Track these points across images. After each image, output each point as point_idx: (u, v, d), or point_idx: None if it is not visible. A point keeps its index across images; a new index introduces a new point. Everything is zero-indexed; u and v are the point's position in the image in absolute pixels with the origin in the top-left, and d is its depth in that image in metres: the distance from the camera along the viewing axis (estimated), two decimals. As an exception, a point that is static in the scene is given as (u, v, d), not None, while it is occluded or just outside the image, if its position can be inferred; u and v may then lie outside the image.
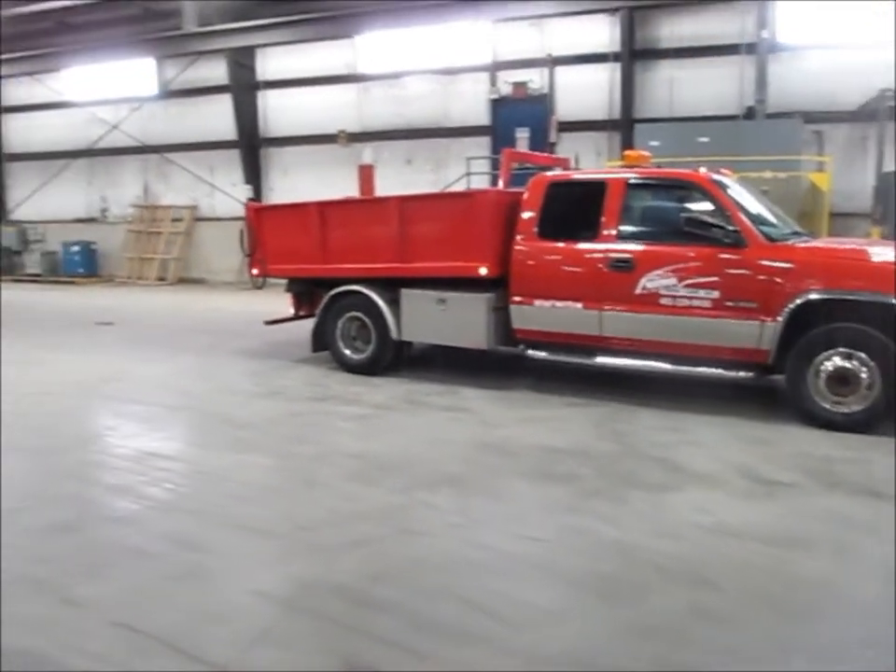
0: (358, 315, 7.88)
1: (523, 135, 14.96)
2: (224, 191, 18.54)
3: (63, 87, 20.22)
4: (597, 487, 4.74)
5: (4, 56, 18.82)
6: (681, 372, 6.51)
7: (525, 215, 7.06)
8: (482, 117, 15.92)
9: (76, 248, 19.58)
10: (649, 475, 4.95)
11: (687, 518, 4.28)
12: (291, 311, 8.77)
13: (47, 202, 21.05)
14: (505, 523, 4.24)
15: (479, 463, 5.20)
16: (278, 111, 17.92)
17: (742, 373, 6.24)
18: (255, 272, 8.75)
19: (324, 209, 8.12)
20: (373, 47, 16.77)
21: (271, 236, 8.57)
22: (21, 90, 20.79)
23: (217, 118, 18.15)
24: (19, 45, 19.05)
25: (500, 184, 8.11)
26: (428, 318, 7.44)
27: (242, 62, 17.53)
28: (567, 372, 7.67)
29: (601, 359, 6.80)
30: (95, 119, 19.87)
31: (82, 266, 19.50)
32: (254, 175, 18.08)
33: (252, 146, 18.03)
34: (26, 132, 21.10)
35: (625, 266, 6.50)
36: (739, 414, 6.28)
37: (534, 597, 3.47)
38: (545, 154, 10.56)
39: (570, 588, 3.56)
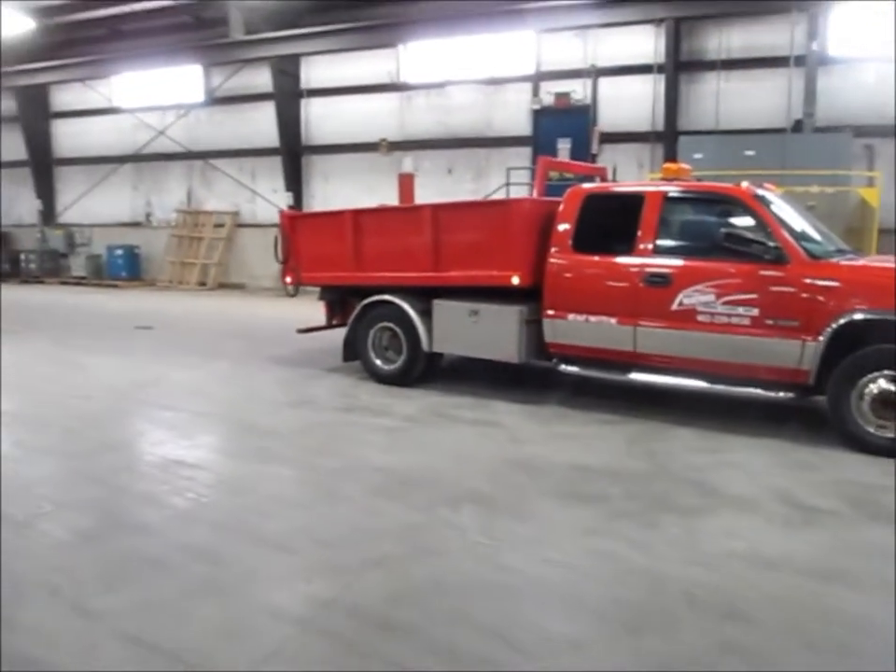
0: (390, 325, 7.84)
1: (564, 146, 14.84)
2: (265, 198, 18.69)
3: (113, 93, 20.63)
4: (627, 509, 4.60)
5: (56, 63, 19.25)
6: (718, 391, 6.36)
7: (561, 227, 6.95)
8: (523, 127, 15.84)
9: (119, 252, 19.91)
10: (682, 498, 4.79)
11: (721, 545, 4.12)
12: (324, 319, 8.78)
13: (93, 205, 21.46)
14: (529, 544, 4.12)
15: (505, 480, 5.10)
16: (320, 119, 18.03)
17: (782, 394, 6.06)
18: (288, 279, 8.76)
19: (358, 217, 8.12)
20: (417, 56, 16.81)
21: (304, 244, 8.59)
22: (71, 95, 21.24)
23: (261, 125, 18.32)
24: (71, 51, 19.50)
25: (534, 192, 8.02)
26: (460, 330, 7.38)
27: (286, 70, 17.67)
28: (601, 388, 7.55)
29: (635, 376, 6.67)
30: (142, 124, 20.21)
31: (125, 269, 19.81)
32: (295, 182, 18.20)
33: (294, 153, 18.15)
34: (75, 137, 21.54)
35: (662, 281, 6.35)
36: (779, 436, 6.08)
37: (556, 625, 3.34)
38: (582, 163, 10.42)
39: (594, 617, 3.42)
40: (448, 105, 16.59)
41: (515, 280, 7.00)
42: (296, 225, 8.73)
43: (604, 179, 9.08)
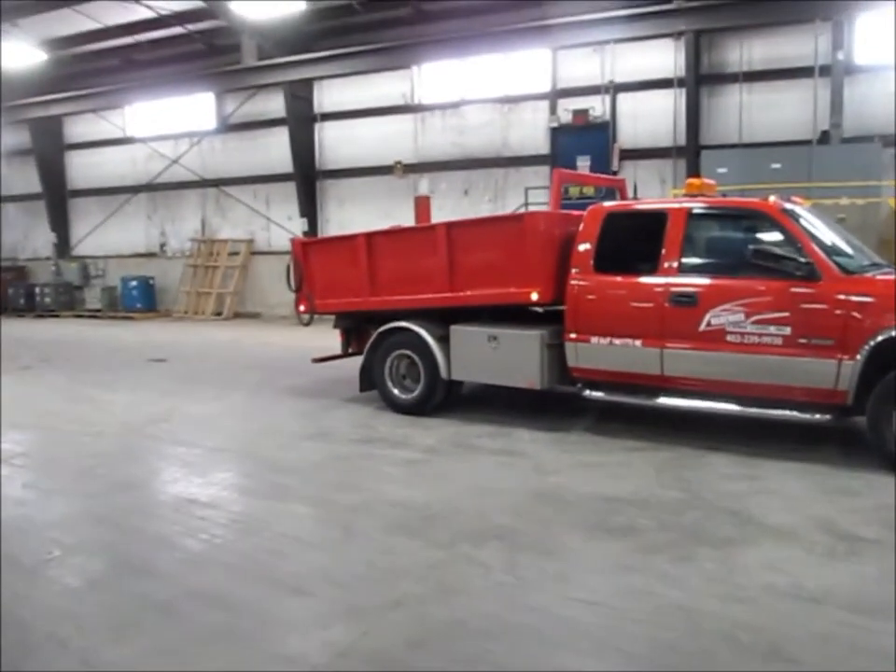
0: (407, 353, 7.80)
1: (584, 164, 14.82)
2: (280, 224, 18.82)
3: (126, 123, 20.96)
4: (660, 542, 4.48)
5: (69, 94, 19.57)
6: (751, 415, 6.24)
7: (581, 247, 6.89)
8: (541, 145, 15.85)
9: (134, 283, 20.11)
10: (718, 529, 4.67)
11: (761, 579, 3.99)
12: (339, 348, 8.79)
13: (107, 236, 21.74)
14: (556, 582, 4.01)
15: (530, 514, 5.00)
16: (334, 143, 18.17)
17: (818, 416, 5.93)
18: (301, 308, 8.76)
19: (371, 240, 8.15)
20: (431, 77, 16.92)
21: (317, 271, 8.62)
22: (84, 126, 21.60)
23: (274, 150, 18.50)
24: (83, 82, 19.83)
25: (550, 206, 7.99)
26: (479, 356, 7.32)
27: (299, 94, 17.85)
28: (628, 414, 7.44)
29: (664, 400, 6.57)
30: (156, 154, 20.48)
31: (140, 301, 20.01)
32: (310, 207, 18.32)
33: (308, 177, 18.29)
34: (89, 168, 21.88)
35: (688, 301, 6.26)
36: (817, 461, 5.94)
37: (586, 669, 3.22)
38: (598, 175, 10.36)
39: (627, 659, 3.30)
40: (463, 125, 16.66)
41: (534, 296, 6.97)
42: (308, 252, 8.75)
43: (623, 191, 9.06)
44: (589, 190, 13.53)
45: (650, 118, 14.69)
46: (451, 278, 7.48)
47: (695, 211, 6.55)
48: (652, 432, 6.86)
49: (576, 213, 7.30)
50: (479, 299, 7.38)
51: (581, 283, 6.83)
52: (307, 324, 8.87)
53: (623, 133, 15.03)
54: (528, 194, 14.90)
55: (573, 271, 6.87)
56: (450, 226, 7.63)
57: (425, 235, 7.87)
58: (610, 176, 10.10)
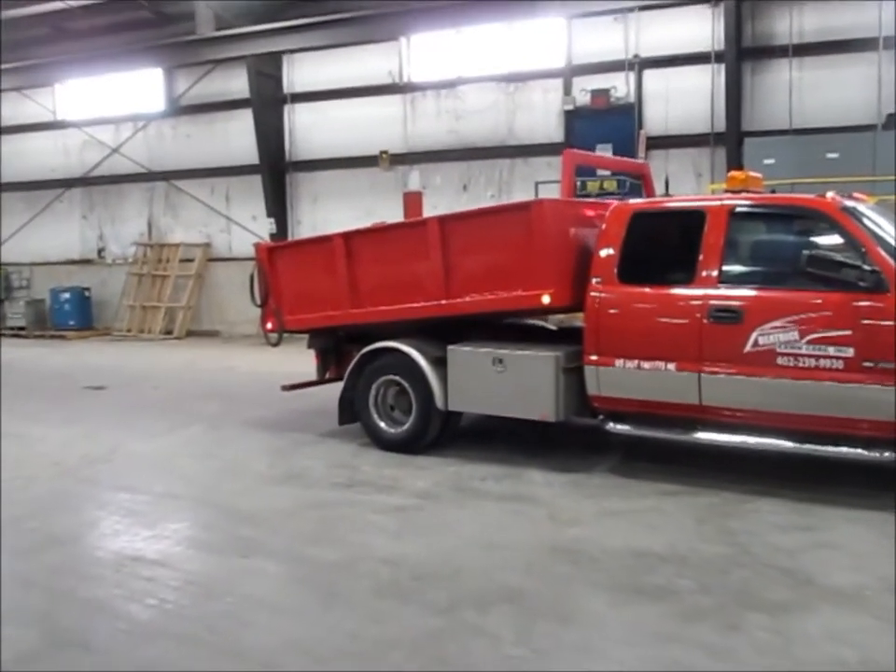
0: (396, 378, 7.81)
1: (604, 153, 14.89)
2: (242, 225, 18.86)
3: (56, 104, 21.00)
4: (701, 607, 4.48)
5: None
6: (807, 452, 6.24)
7: (603, 252, 6.92)
8: (554, 132, 15.95)
9: (66, 296, 20.06)
10: (769, 590, 4.67)
11: (823, 652, 3.99)
12: (315, 373, 8.79)
13: (34, 239, 21.61)
14: (578, 654, 4.00)
15: (545, 572, 4.99)
16: (308, 129, 18.28)
17: (887, 454, 5.94)
18: (269, 326, 8.78)
19: (350, 241, 8.20)
20: (423, 51, 17.05)
21: (286, 280, 8.66)
22: (7, 107, 21.52)
23: (236, 137, 18.59)
24: (7, 55, 19.82)
25: (562, 193, 8.04)
26: (482, 383, 7.33)
27: (265, 71, 17.96)
28: (660, 451, 7.45)
29: (702, 435, 6.58)
30: (93, 141, 20.53)
31: (74, 317, 19.96)
32: (278, 205, 18.40)
33: (277, 170, 18.37)
34: (11, 157, 21.73)
35: (731, 317, 6.29)
36: (885, 507, 5.93)
37: None
38: (619, 158, 10.40)
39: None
40: (461, 109, 16.77)
41: (546, 299, 7.00)
42: (275, 258, 8.79)
43: (647, 179, 9.14)
44: (611, 185, 13.64)
45: (682, 99, 14.81)
46: (447, 283, 7.52)
47: (738, 210, 6.58)
48: (689, 473, 6.85)
49: (595, 203, 7.35)
50: (480, 306, 7.42)
51: (604, 295, 6.86)
52: (275, 344, 8.88)
53: (650, 117, 15.15)
54: (538, 189, 14.95)
55: (594, 281, 6.90)
56: (444, 220, 7.68)
57: (414, 232, 7.92)
58: (633, 160, 10.14)
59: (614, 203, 7.35)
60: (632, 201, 7.42)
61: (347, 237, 8.24)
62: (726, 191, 7.00)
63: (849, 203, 6.43)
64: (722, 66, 14.30)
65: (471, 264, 7.47)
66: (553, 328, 8.62)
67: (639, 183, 9.46)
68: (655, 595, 4.63)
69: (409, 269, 7.80)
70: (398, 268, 7.89)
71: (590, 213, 7.51)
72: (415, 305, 7.73)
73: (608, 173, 14.63)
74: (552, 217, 7.07)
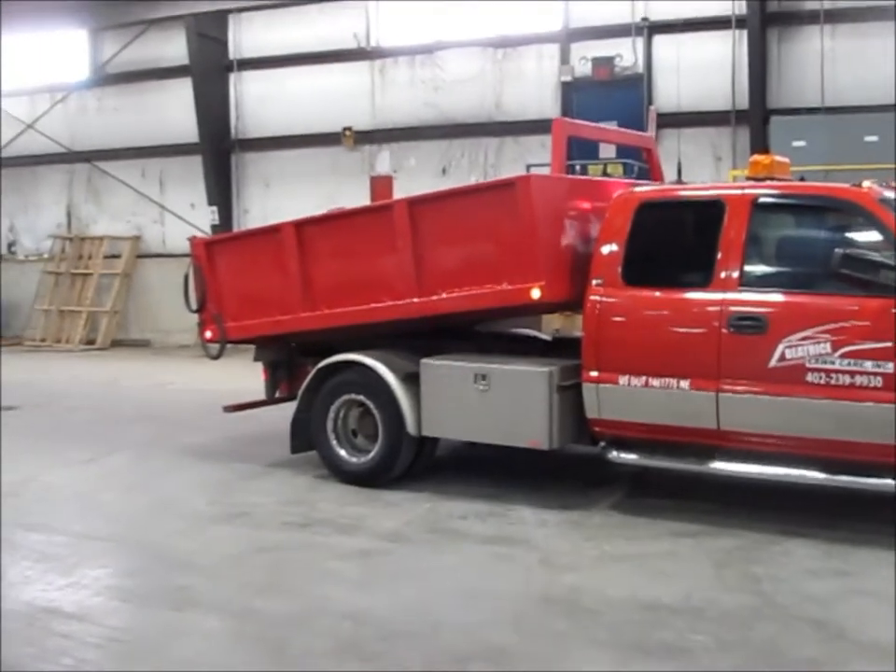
0: (359, 398, 7.81)
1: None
2: (179, 216, 18.80)
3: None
4: (722, 667, 4.49)
5: None
6: (842, 485, 6.28)
7: (605, 249, 6.96)
8: (548, 107, 15.98)
9: (-33, 299, 19.91)
10: (799, 647, 4.69)
11: (855, 720, 4.03)
12: (263, 391, 8.78)
13: (-70, 232, 21.48)
14: (572, 726, 4.02)
15: (537, 628, 5.00)
16: (258, 101, 18.28)
17: (934, 487, 6.00)
18: (208, 335, 8.76)
19: (303, 231, 8.19)
20: (394, 9, 17.05)
21: (229, 281, 8.65)
22: None
23: (172, 111, 18.55)
24: None
25: (552, 168, 8.04)
26: (463, 403, 7.33)
27: (208, 33, 17.96)
28: (673, 484, 7.48)
29: (720, 465, 6.62)
30: (3, 115, 20.35)
31: (-23, 324, 19.78)
32: (222, 191, 18.39)
33: (220, 150, 18.38)
34: None
35: (754, 326, 6.33)
36: (934, 550, 5.99)
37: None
38: (618, 129, 10.37)
39: None
40: (440, 79, 16.81)
41: (535, 293, 7.01)
42: (215, 254, 8.78)
43: (652, 155, 9.20)
44: (616, 169, 13.67)
45: (698, 70, 14.89)
46: (418, 277, 7.52)
47: (762, 201, 6.63)
48: (707, 510, 6.88)
49: (595, 182, 7.36)
50: (459, 304, 7.42)
51: (605, 299, 6.88)
52: (216, 357, 8.84)
53: (661, 91, 15.24)
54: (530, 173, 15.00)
55: (593, 283, 6.93)
56: (413, 203, 7.69)
57: (378, 219, 7.96)
58: (638, 133, 10.15)
59: (619, 183, 7.37)
60: (638, 188, 7.45)
61: (299, 227, 8.24)
62: (748, 179, 7.05)
63: (889, 194, 6.48)
64: (745, 33, 14.41)
65: (447, 254, 7.50)
66: (547, 338, 8.65)
67: (648, 167, 9.51)
68: (666, 654, 4.63)
69: (373, 262, 7.82)
70: (359, 262, 7.90)
71: (588, 193, 7.55)
72: (381, 306, 7.72)
73: (612, 154, 14.72)
74: (541, 196, 7.08)
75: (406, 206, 7.65)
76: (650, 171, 9.18)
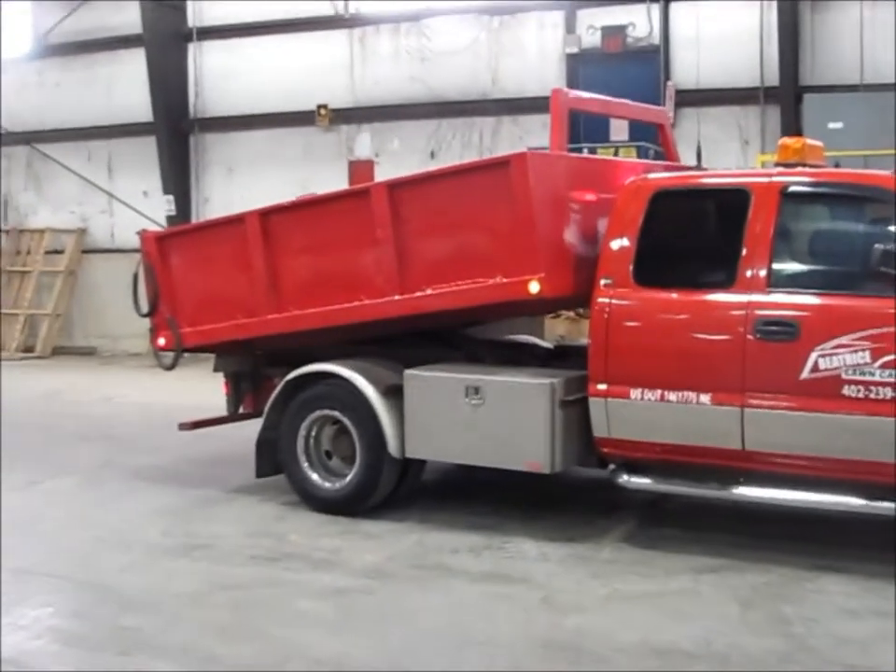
0: (333, 414, 7.83)
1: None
2: (130, 205, 18.73)
3: None
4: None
5: None
6: (883, 513, 6.28)
7: (615, 244, 6.97)
8: (552, 82, 15.82)
9: None
10: (832, 698, 4.71)
11: None
12: (224, 406, 8.81)
13: None
14: None
15: (537, 676, 5.00)
16: (221, 75, 18.28)
17: None
18: (161, 342, 8.77)
19: (269, 221, 8.19)
20: (375, -30, 17.07)
21: (184, 279, 8.67)
22: None
23: (123, 87, 18.53)
24: None
25: (552, 145, 8.02)
26: (452, 421, 7.34)
27: (163, -2, 17.98)
28: (692, 512, 7.50)
29: (747, 491, 6.64)
30: (-71, 91, 20.39)
31: None
32: (179, 178, 18.40)
33: (177, 131, 18.39)
34: None
35: (783, 332, 6.34)
36: None
37: None
38: (628, 103, 10.27)
39: None
40: (428, 50, 16.81)
41: (534, 287, 6.97)
42: (168, 250, 8.80)
43: (665, 133, 9.21)
44: (629, 153, 13.71)
45: (722, 42, 14.88)
46: (401, 271, 7.52)
47: (792, 189, 6.66)
48: (731, 542, 6.88)
49: (601, 161, 7.34)
50: (447, 300, 7.41)
51: (615, 302, 6.89)
52: (171, 367, 8.83)
53: (679, 65, 15.25)
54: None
55: (602, 283, 6.94)
56: (394, 187, 7.68)
57: (354, 205, 7.95)
58: (649, 106, 10.10)
59: (630, 165, 7.36)
60: (653, 175, 7.46)
61: (265, 216, 8.24)
62: (777, 164, 7.07)
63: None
64: (774, 1, 14.43)
65: (433, 245, 7.52)
66: (549, 345, 8.66)
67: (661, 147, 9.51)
68: (683, 707, 4.66)
69: (348, 256, 7.84)
70: (333, 255, 7.92)
71: (594, 174, 7.60)
72: (358, 305, 7.72)
73: (624, 136, 14.75)
74: (539, 176, 7.05)
75: (385, 191, 7.64)
76: (663, 151, 9.18)
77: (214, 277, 8.56)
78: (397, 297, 7.56)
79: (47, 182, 19.74)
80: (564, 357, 7.86)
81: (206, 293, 8.59)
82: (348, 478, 7.77)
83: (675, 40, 15.32)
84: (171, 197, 18.17)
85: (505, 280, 7.14)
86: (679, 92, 15.04)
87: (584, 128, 14.04)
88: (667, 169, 8.26)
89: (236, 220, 8.53)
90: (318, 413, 7.89)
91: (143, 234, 9.11)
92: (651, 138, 10.56)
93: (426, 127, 16.87)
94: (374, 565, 6.71)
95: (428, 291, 7.46)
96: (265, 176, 17.56)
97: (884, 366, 6.08)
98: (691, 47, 15.12)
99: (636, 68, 15.32)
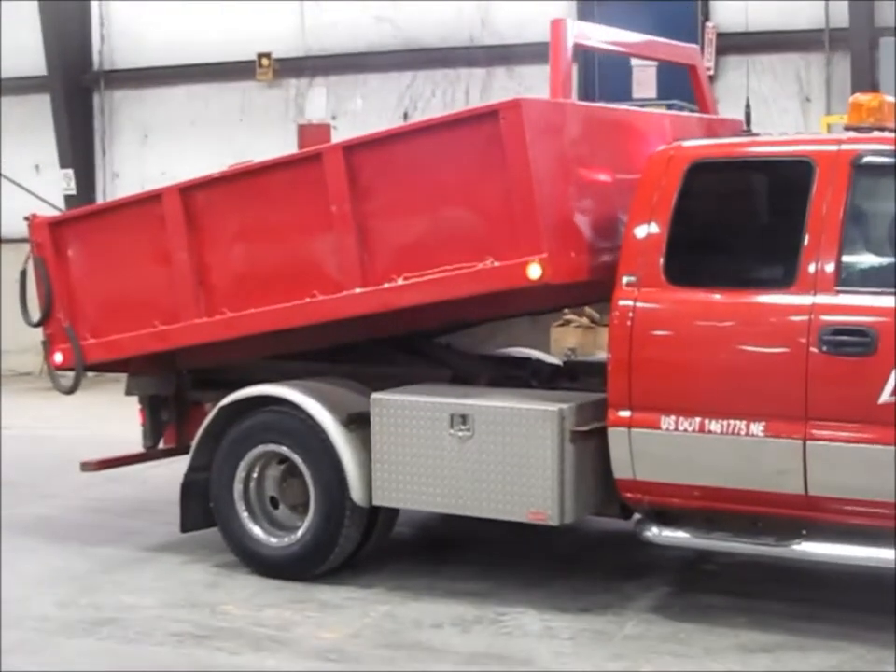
0: (281, 450, 7.84)
1: (645, 68, 14.97)
2: (18, 183, 18.68)
3: None
4: None
5: None
6: None
7: (640, 231, 6.96)
8: (556, 24, 16.03)
9: None
10: None
11: None
12: (140, 439, 8.80)
13: None
14: None
15: None
16: (133, 17, 18.32)
17: None
18: (58, 358, 8.75)
19: (192, 198, 8.21)
20: None
21: (87, 277, 8.71)
22: None
23: (8, 32, 18.45)
24: None
25: (552, 90, 8.01)
26: (433, 458, 7.32)
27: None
28: (740, 574, 7.53)
29: (807, 547, 6.62)
30: None
31: None
32: (81, 147, 18.45)
33: (78, 87, 18.42)
34: None
35: (857, 343, 6.33)
36: None
37: None
38: (647, 39, 10.22)
39: None
40: (399, -17, 16.87)
41: (534, 272, 6.89)
42: (65, 239, 8.83)
43: (697, 77, 9.22)
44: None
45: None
46: (363, 258, 7.52)
47: (868, 160, 6.62)
48: (789, 613, 6.89)
49: (619, 112, 7.35)
50: (422, 293, 7.40)
51: (641, 305, 6.89)
52: (70, 390, 8.81)
53: (721, 3, 15.32)
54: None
55: (623, 281, 6.94)
56: (352, 149, 7.67)
57: (303, 174, 7.97)
58: (674, 43, 10.05)
59: (656, 118, 7.31)
60: (689, 143, 7.43)
61: (188, 192, 8.25)
62: (847, 128, 7.08)
63: None
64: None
65: (404, 222, 7.54)
66: (556, 361, 8.67)
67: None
68: None
69: (296, 239, 7.90)
70: (277, 239, 7.97)
71: (609, 127, 7.67)
72: (309, 302, 7.72)
73: (651, 94, 14.77)
74: (538, 128, 7.03)
75: (342, 154, 7.62)
76: (695, 100, 9.17)
77: (124, 273, 8.53)
78: (358, 290, 7.53)
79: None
80: (575, 375, 7.87)
81: (114, 294, 8.60)
82: (300, 532, 7.76)
83: (716, -28, 15.42)
84: (70, 172, 18.20)
85: (497, 264, 7.08)
86: (721, 37, 15.09)
87: (600, 85, 14.12)
88: (706, 126, 8.30)
89: (151, 199, 8.54)
90: (261, 448, 7.90)
91: (32, 220, 9.07)
92: (687, 96, 10.51)
93: (397, 81, 16.95)
94: (334, 644, 6.69)
95: (399, 282, 7.43)
96: (190, 145, 17.65)
97: None
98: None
99: (666, 8, 15.35)
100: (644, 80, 14.58)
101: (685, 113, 10.17)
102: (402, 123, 16.50)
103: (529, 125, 6.95)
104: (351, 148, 7.67)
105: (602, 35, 9.07)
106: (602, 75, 13.54)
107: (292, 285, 7.79)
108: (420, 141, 7.69)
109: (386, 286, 7.46)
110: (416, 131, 8.04)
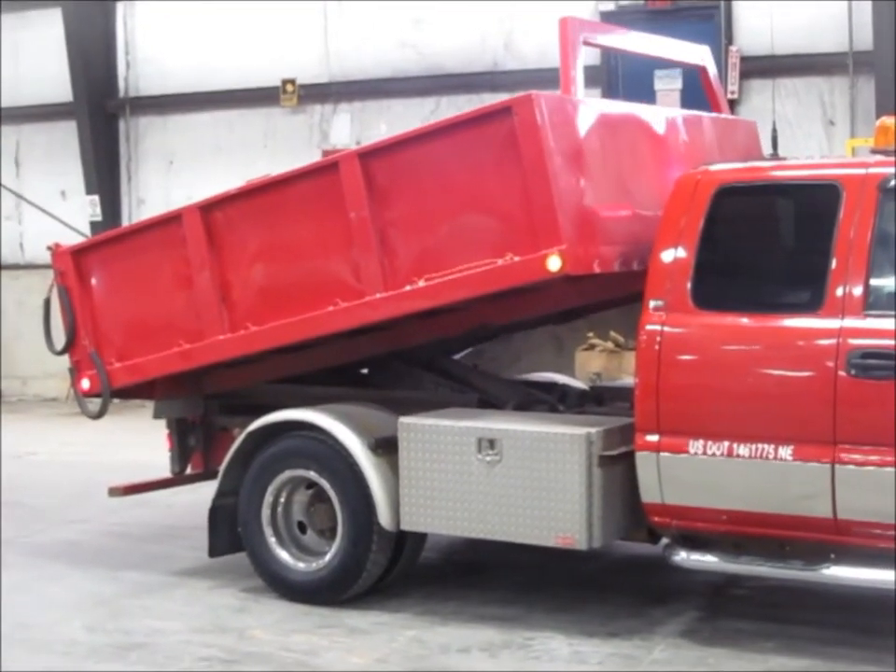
0: (309, 475, 7.84)
1: (669, 87, 14.98)
2: (43, 209, 18.73)
3: None
4: None
5: None
6: None
7: (667, 255, 6.97)
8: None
9: None
10: None
11: None
12: (168, 465, 8.82)
13: None
14: None
15: None
16: (159, 42, 18.36)
17: None
18: (85, 384, 8.76)
19: (214, 216, 8.24)
20: None
21: (111, 302, 8.74)
22: None
23: (33, 58, 18.58)
24: None
25: (563, 87, 8.01)
26: (461, 483, 7.32)
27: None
28: (769, 598, 7.50)
29: (837, 572, 6.59)
30: None
31: None
32: (107, 173, 18.45)
33: (104, 114, 18.44)
34: None
35: (886, 366, 6.30)
36: None
37: None
38: (657, 39, 10.21)
39: None
40: (423, 9, 16.90)
41: (554, 264, 6.92)
42: (88, 266, 8.85)
43: (707, 77, 9.23)
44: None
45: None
46: (383, 262, 7.54)
47: (895, 183, 6.62)
48: (820, 638, 6.87)
49: (636, 109, 7.37)
50: (442, 293, 7.43)
51: (669, 330, 6.89)
52: (98, 415, 8.82)
53: (745, 24, 15.29)
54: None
55: (650, 305, 6.95)
56: (367, 155, 7.72)
57: (321, 184, 7.98)
58: (685, 42, 10.05)
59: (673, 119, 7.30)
60: (715, 167, 7.44)
61: (207, 210, 8.29)
62: (874, 151, 7.07)
63: None
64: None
65: (423, 224, 7.55)
66: (583, 386, 8.66)
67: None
68: None
69: (316, 249, 7.93)
70: (297, 250, 7.99)
71: (625, 126, 7.69)
72: (332, 311, 7.73)
73: (674, 104, 14.74)
74: (552, 122, 7.06)
75: (357, 161, 7.65)
76: (707, 100, 9.15)
77: (147, 295, 8.57)
78: (380, 295, 7.55)
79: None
80: (602, 400, 7.86)
81: (138, 316, 8.62)
82: (327, 557, 7.77)
83: (740, -5, 15.44)
84: (96, 198, 18.20)
85: (517, 259, 7.11)
86: (745, 60, 15.06)
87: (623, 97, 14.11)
88: (719, 125, 8.29)
89: (171, 220, 8.57)
90: (289, 473, 7.90)
91: (55, 250, 9.10)
92: (707, 107, 10.52)
93: (420, 106, 16.92)
94: (362, 669, 6.70)
95: (420, 284, 7.45)
96: (215, 171, 17.57)
97: None
98: (760, 2, 15.19)
99: (689, 29, 15.22)
100: (669, 104, 14.57)
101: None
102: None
103: (542, 118, 7.01)
104: (366, 155, 7.73)
105: (608, 30, 9.13)
106: (625, 87, 13.52)
107: (314, 294, 7.81)
108: (434, 142, 7.74)
109: (408, 288, 7.48)
110: (430, 133, 8.01)
